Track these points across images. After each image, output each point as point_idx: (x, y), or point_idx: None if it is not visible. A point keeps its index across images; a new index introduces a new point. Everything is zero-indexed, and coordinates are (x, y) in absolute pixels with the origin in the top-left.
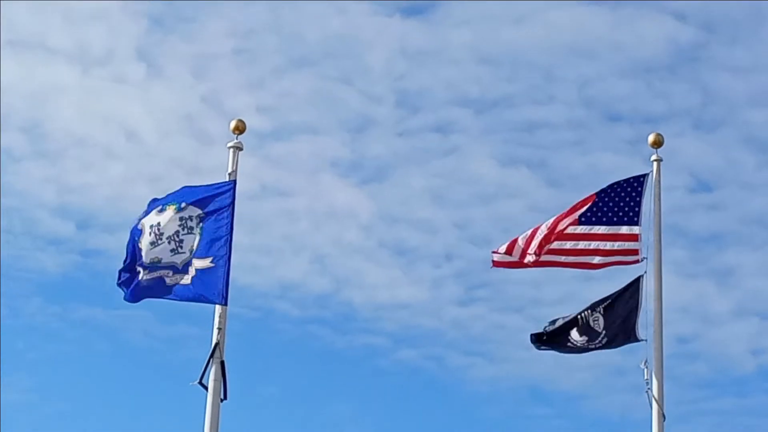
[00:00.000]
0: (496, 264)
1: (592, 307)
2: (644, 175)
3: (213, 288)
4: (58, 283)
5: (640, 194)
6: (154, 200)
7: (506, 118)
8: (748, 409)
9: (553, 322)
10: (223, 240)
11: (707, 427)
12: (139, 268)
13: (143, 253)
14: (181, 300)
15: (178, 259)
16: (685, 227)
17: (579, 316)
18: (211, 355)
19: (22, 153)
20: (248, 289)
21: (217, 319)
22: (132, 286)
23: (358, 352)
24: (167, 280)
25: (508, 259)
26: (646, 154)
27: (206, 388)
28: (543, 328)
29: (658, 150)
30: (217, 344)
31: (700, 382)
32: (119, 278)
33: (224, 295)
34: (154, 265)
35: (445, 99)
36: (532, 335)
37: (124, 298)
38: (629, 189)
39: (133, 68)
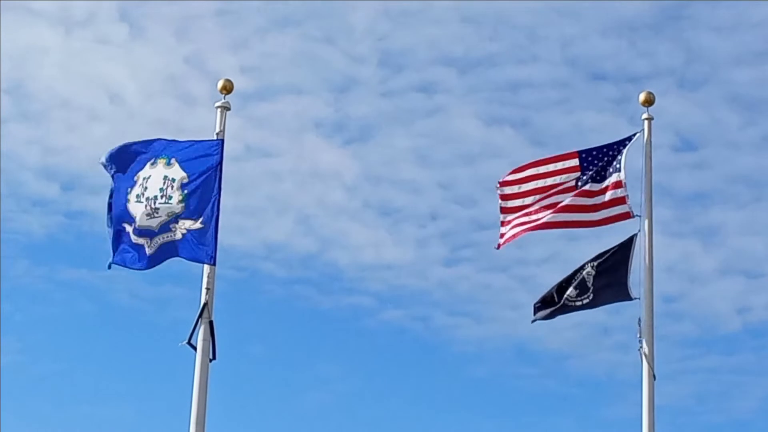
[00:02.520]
0: (501, 245)
1: (591, 261)
2: (634, 134)
3: (203, 248)
4: (43, 245)
5: (624, 146)
6: (132, 146)
7: (490, 78)
8: (735, 367)
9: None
10: (212, 201)
11: (694, 385)
12: (128, 226)
13: (130, 206)
14: (171, 258)
15: (154, 223)
16: (670, 186)
17: (577, 272)
18: (200, 316)
19: (6, 114)
20: (233, 250)
21: (205, 280)
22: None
23: (343, 313)
24: (147, 250)
25: (510, 233)
26: (630, 112)
27: (195, 349)
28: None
29: (649, 108)
30: (205, 304)
31: (686, 341)
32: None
33: (213, 255)
34: (136, 226)
35: (428, 59)
36: (536, 308)
37: (128, 264)
38: (619, 146)
39: (115, 29)
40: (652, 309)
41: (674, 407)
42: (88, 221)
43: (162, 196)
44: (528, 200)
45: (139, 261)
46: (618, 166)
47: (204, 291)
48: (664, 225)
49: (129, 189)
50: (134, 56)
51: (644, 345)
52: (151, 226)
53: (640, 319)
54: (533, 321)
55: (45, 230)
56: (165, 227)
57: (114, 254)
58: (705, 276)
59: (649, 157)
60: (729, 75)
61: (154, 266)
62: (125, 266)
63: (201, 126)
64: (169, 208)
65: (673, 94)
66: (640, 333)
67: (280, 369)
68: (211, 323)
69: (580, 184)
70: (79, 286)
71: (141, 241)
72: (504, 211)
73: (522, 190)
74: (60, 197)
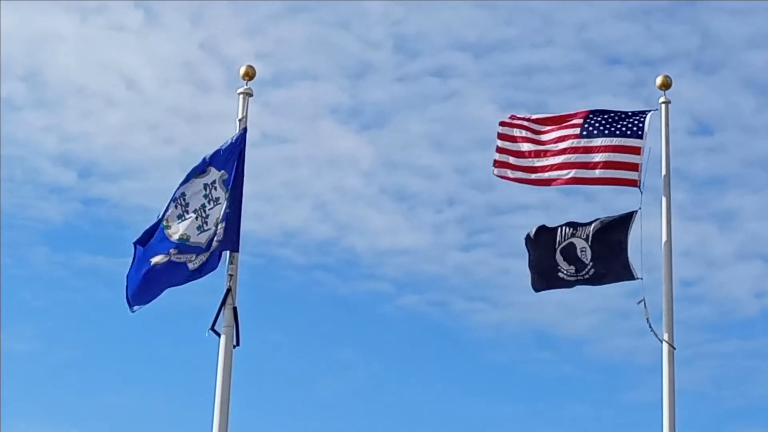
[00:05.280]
0: (500, 175)
1: (575, 227)
2: (647, 111)
3: (227, 237)
4: (61, 232)
5: (645, 115)
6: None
7: (505, 62)
8: (753, 351)
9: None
10: (236, 188)
11: (712, 369)
12: (164, 256)
13: (170, 232)
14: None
15: (203, 238)
16: (686, 170)
17: (563, 239)
18: (223, 302)
19: (22, 102)
20: (251, 236)
21: (228, 266)
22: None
23: (361, 298)
24: (190, 266)
25: (512, 174)
26: (646, 96)
27: (219, 335)
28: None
29: (666, 92)
30: (229, 290)
31: (704, 325)
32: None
33: (236, 241)
34: (183, 244)
35: (443, 43)
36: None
37: (138, 302)
38: (631, 113)
39: (130, 15)
40: (672, 293)
41: (692, 392)
42: (104, 208)
43: (210, 202)
44: (528, 133)
45: (176, 278)
46: (640, 133)
47: (227, 277)
48: (680, 209)
49: (163, 221)
50: (149, 42)
51: (665, 327)
52: (200, 243)
53: (643, 300)
54: (537, 291)
55: (62, 217)
56: (210, 243)
57: (132, 296)
58: (722, 260)
59: (667, 140)
60: (744, 58)
61: (192, 280)
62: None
63: (217, 112)
64: (217, 212)
65: (688, 78)
66: (647, 314)
67: (298, 355)
68: (234, 309)
69: (584, 134)
70: (96, 273)
71: (184, 258)
72: (501, 137)
73: (523, 124)
74: (77, 184)
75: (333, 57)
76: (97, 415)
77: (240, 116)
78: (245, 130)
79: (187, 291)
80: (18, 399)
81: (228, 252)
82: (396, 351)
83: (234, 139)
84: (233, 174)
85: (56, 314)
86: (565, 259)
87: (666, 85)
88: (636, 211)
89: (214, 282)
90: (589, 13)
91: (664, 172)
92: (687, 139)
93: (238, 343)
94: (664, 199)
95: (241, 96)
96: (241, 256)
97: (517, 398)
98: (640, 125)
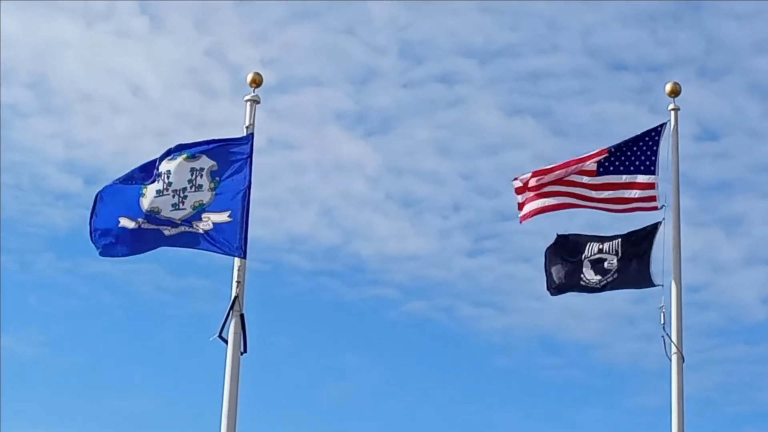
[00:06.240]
0: (524, 218)
1: (601, 241)
2: (662, 125)
3: (231, 242)
4: (67, 238)
5: (657, 143)
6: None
7: (511, 68)
8: (760, 356)
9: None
10: (241, 194)
11: (719, 375)
12: (131, 221)
13: (144, 201)
14: (192, 248)
15: (177, 215)
16: (693, 176)
17: (590, 254)
18: (231, 309)
19: (29, 109)
20: (257, 242)
21: (236, 273)
22: (122, 238)
23: (368, 304)
24: (165, 233)
25: (530, 208)
26: (652, 102)
27: (226, 342)
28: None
29: (675, 99)
30: (236, 298)
31: (711, 331)
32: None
33: (243, 248)
34: (152, 215)
35: (449, 49)
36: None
37: (111, 254)
38: (647, 139)
39: (135, 22)
40: (681, 299)
41: (699, 397)
42: None
43: (192, 187)
44: (548, 177)
45: (153, 242)
46: (652, 168)
47: (235, 284)
48: (687, 214)
49: (143, 186)
50: (155, 49)
51: (673, 333)
52: (174, 219)
53: (663, 305)
54: (554, 295)
55: (68, 224)
56: (187, 222)
57: (100, 247)
58: (729, 265)
59: (676, 147)
60: (750, 63)
61: (169, 246)
62: (115, 257)
63: (223, 118)
64: (198, 196)
65: (693, 84)
66: (664, 319)
67: (305, 360)
68: (242, 316)
69: (601, 170)
70: (102, 279)
71: (154, 226)
72: (519, 191)
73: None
74: (83, 191)
75: (338, 63)
76: (103, 421)
77: (247, 123)
78: (252, 136)
79: (194, 297)
80: (24, 404)
81: (235, 258)
82: (402, 356)
83: (236, 141)
84: (242, 180)
85: (62, 320)
86: (592, 269)
87: (675, 92)
88: (660, 222)
89: (222, 289)
90: (594, 19)
91: (673, 179)
92: (693, 144)
93: (245, 350)
94: (673, 207)
95: (248, 103)
96: (248, 261)
97: (524, 403)
98: (653, 158)
